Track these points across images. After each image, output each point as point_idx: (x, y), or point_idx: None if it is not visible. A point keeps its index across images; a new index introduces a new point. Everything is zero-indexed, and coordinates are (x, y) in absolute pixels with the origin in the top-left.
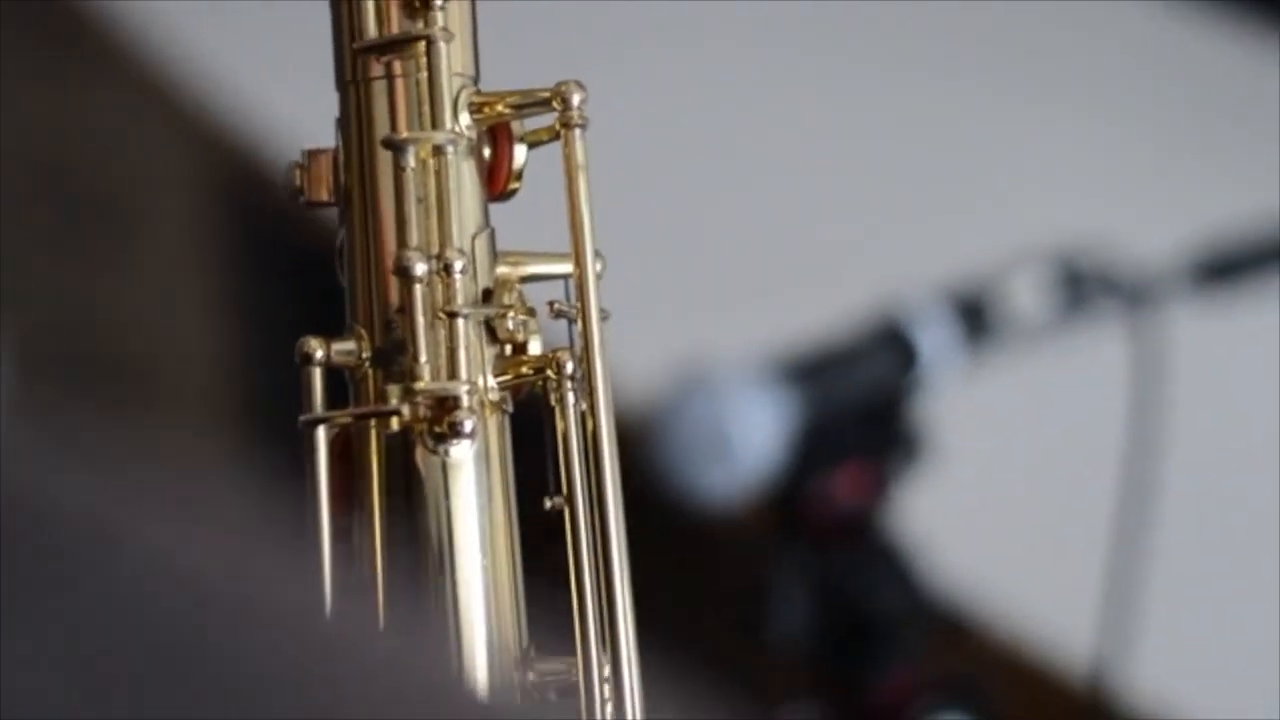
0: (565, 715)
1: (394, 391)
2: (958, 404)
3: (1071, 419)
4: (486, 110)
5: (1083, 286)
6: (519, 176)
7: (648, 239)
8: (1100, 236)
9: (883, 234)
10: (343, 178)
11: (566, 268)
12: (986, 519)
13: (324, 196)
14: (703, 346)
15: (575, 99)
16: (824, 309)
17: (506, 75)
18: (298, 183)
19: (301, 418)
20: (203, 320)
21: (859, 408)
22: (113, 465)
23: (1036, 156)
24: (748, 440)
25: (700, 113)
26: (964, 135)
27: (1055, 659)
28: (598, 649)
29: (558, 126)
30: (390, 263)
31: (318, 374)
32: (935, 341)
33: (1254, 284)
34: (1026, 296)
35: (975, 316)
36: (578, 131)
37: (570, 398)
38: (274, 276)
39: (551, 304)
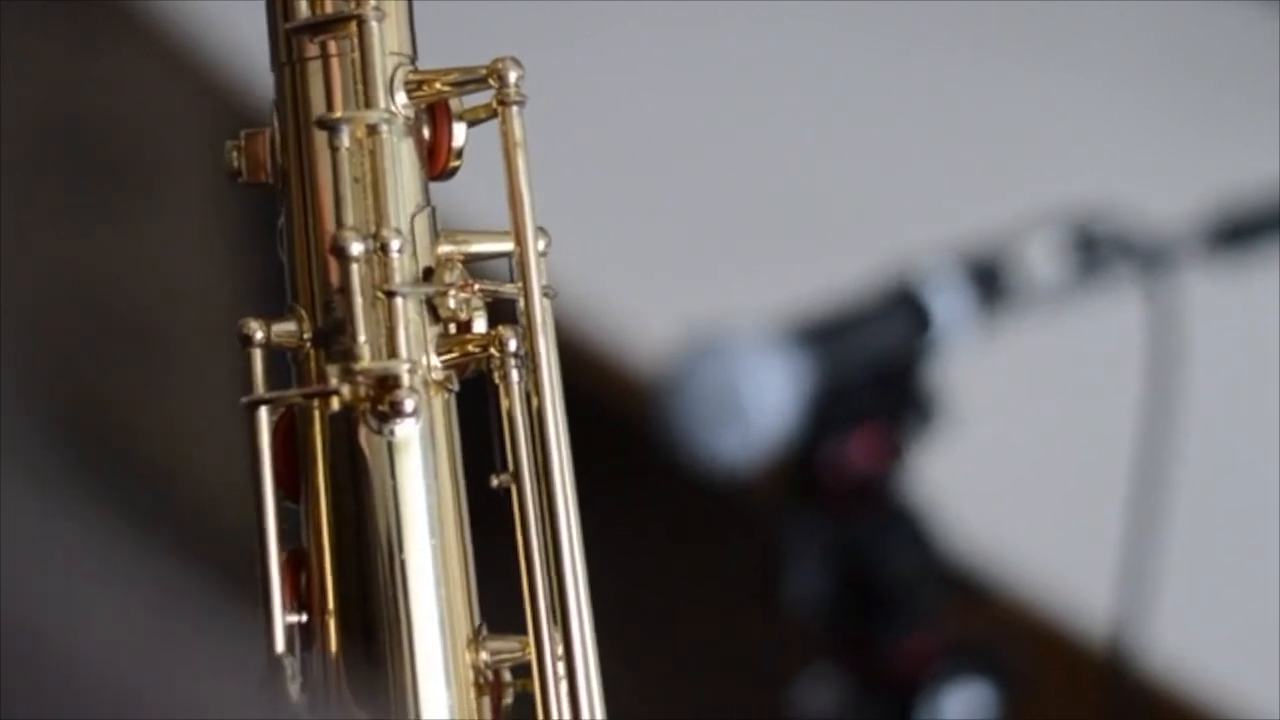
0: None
1: (335, 371)
2: (973, 368)
3: (1087, 382)
4: (424, 89)
5: (1097, 250)
6: (459, 155)
7: (660, 205)
8: (1114, 200)
9: (897, 198)
10: (279, 159)
11: (508, 245)
12: (1003, 483)
13: (261, 177)
14: (715, 311)
15: (512, 75)
16: (837, 274)
17: (486, 52)
18: (235, 164)
19: (243, 399)
20: (218, 281)
21: (873, 372)
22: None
23: (1050, 120)
24: (761, 404)
25: (716, 77)
26: (976, 99)
27: (1073, 623)
28: (549, 627)
29: (495, 104)
30: (328, 242)
31: (258, 355)
32: (950, 305)
33: (1269, 247)
34: (1041, 260)
35: (990, 280)
36: (515, 108)
37: (514, 375)
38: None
39: (478, 283)
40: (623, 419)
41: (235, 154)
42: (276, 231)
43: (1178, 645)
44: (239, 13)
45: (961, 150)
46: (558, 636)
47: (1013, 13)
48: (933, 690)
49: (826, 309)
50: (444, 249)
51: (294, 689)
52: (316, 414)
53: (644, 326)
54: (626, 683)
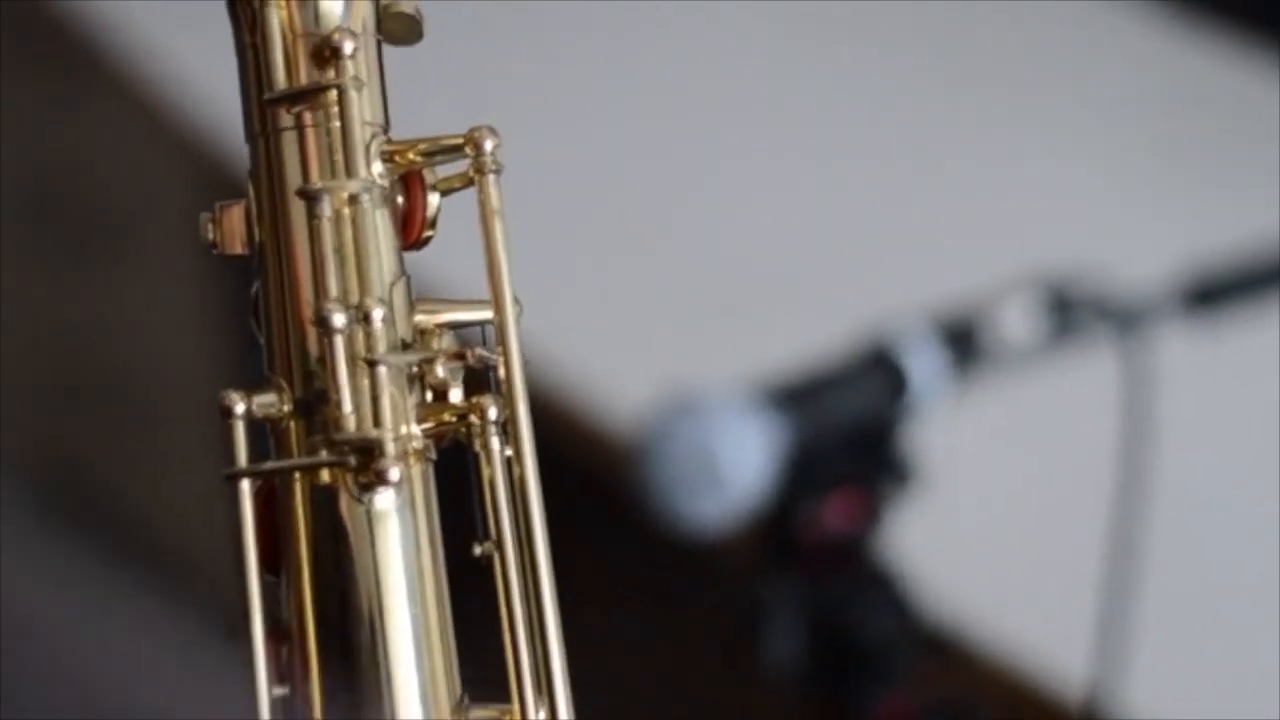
0: None
1: (318, 442)
2: (948, 429)
3: (1062, 444)
4: (398, 159)
5: (1072, 311)
6: (433, 224)
7: (630, 268)
8: (1089, 261)
9: (870, 260)
10: (255, 230)
11: (483, 314)
12: (978, 544)
13: (238, 249)
14: (690, 374)
15: (488, 145)
16: (811, 336)
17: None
18: (210, 236)
19: (225, 471)
20: (200, 338)
21: (849, 434)
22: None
23: (1023, 180)
24: (737, 465)
25: (686, 136)
26: (948, 159)
27: (1049, 683)
28: (534, 695)
29: (471, 173)
30: (308, 313)
31: (240, 427)
32: (925, 367)
33: (1244, 307)
34: (1016, 322)
35: (965, 342)
36: (491, 177)
37: (495, 443)
38: None
39: (469, 351)
40: (598, 483)
41: (210, 226)
42: (251, 301)
43: (1153, 705)
44: (225, 77)
45: (935, 214)
46: (543, 703)
47: (984, 70)
48: None
49: (802, 371)
50: (420, 318)
51: None
52: (299, 485)
53: (619, 391)
54: None
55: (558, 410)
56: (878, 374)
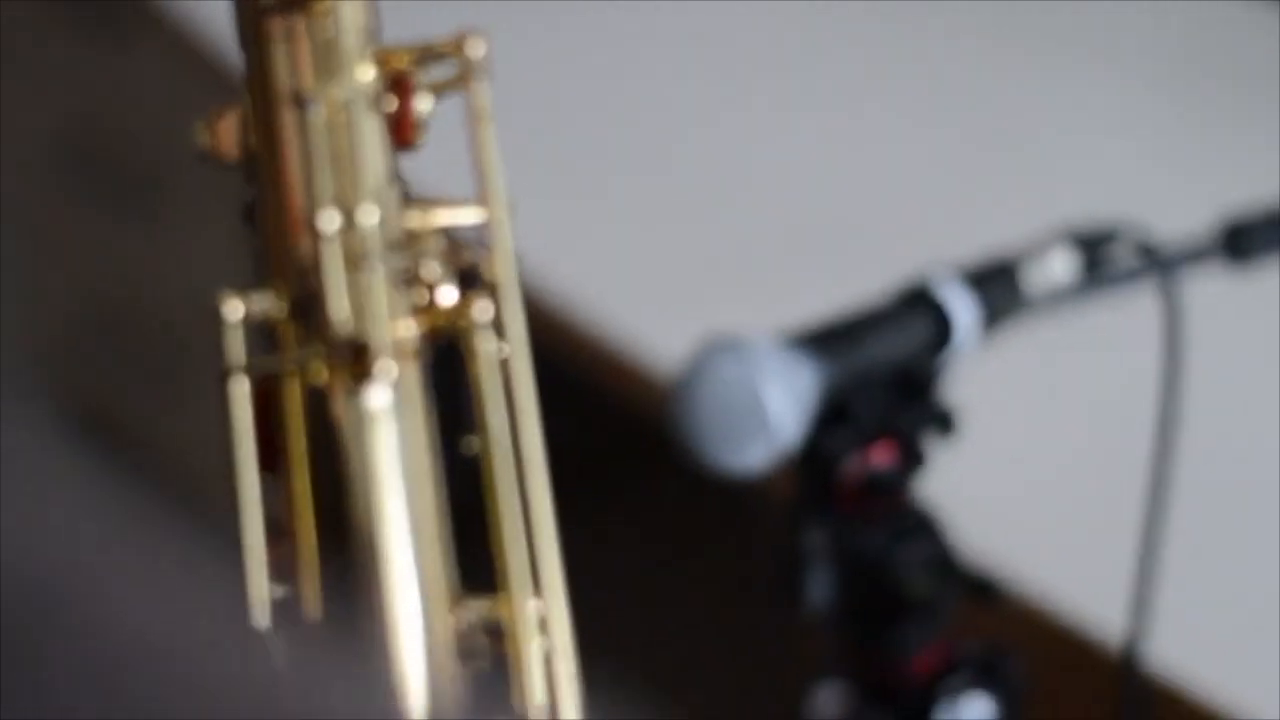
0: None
1: (313, 343)
2: (988, 372)
3: (1102, 388)
4: (389, 63)
5: (1110, 256)
6: (424, 127)
7: (678, 221)
8: (1129, 206)
9: (910, 213)
10: (249, 136)
11: (476, 216)
12: (1016, 488)
13: (232, 155)
14: (732, 323)
15: (477, 49)
16: (854, 289)
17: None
18: (205, 143)
19: (220, 370)
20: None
21: (890, 377)
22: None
23: (1063, 128)
24: (777, 408)
25: (733, 94)
26: (988, 110)
27: (1087, 627)
28: (526, 588)
29: (460, 77)
30: (300, 217)
31: (235, 329)
32: (967, 309)
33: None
34: (1054, 266)
35: (1004, 286)
36: (480, 81)
37: (485, 342)
38: None
39: (461, 250)
40: (636, 421)
41: (205, 133)
42: (245, 207)
43: (1187, 646)
44: None
45: (973, 162)
46: (532, 596)
47: (1022, 21)
48: (943, 701)
49: (843, 314)
50: (412, 220)
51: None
52: (293, 384)
53: (662, 337)
54: (633, 681)
55: (598, 348)
56: (920, 316)
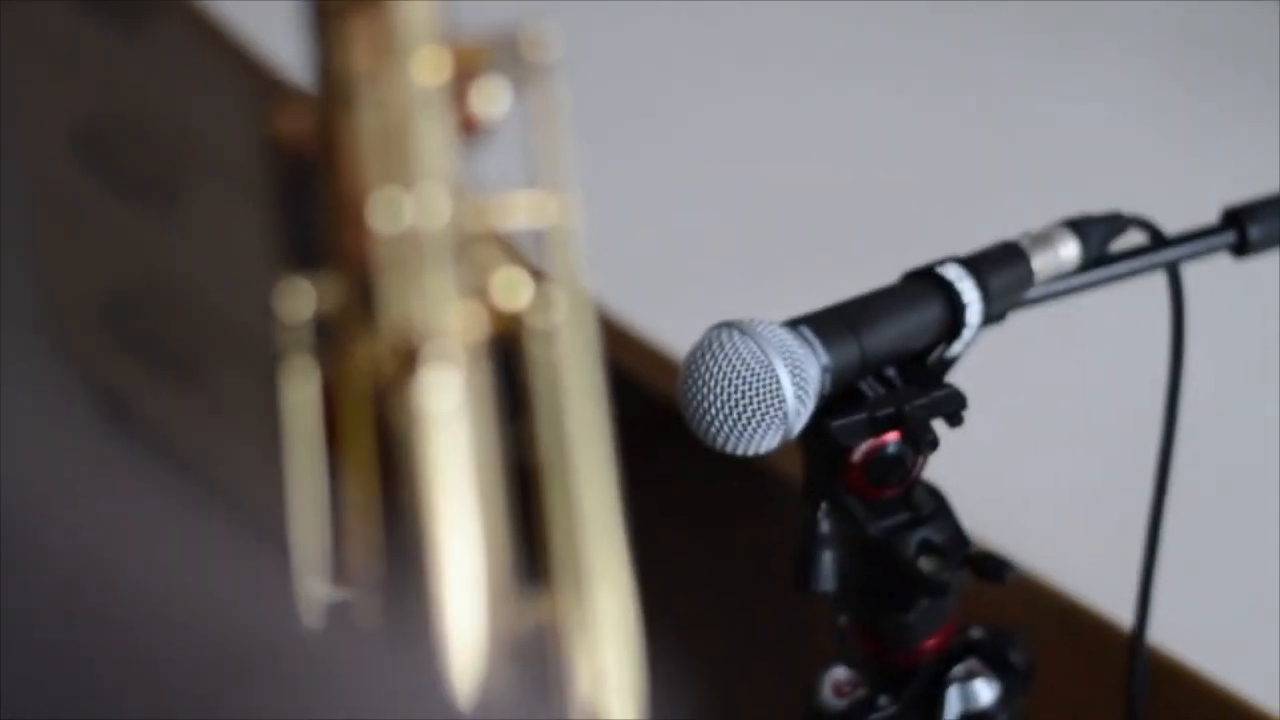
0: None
1: (369, 340)
2: (996, 353)
3: (1111, 372)
4: (457, 55)
5: (1116, 239)
6: (491, 120)
7: (695, 210)
8: (1135, 195)
9: (920, 202)
10: (314, 126)
11: (545, 214)
12: (1024, 472)
13: (296, 144)
14: (745, 308)
15: (548, 43)
16: (863, 277)
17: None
18: (270, 130)
19: (278, 369)
20: (261, 269)
21: (900, 361)
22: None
23: (1073, 117)
24: (787, 389)
25: (755, 88)
26: (998, 101)
27: (1096, 608)
28: (580, 585)
29: (529, 71)
30: (362, 211)
31: (294, 326)
32: (976, 296)
33: None
34: (1064, 254)
35: (1015, 273)
36: (549, 74)
37: (548, 343)
38: None
39: (524, 253)
40: (650, 402)
41: (270, 120)
42: (302, 199)
43: (1193, 625)
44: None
45: (982, 152)
46: (588, 594)
47: (1033, 16)
48: (952, 683)
49: (855, 299)
50: (479, 218)
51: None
52: (351, 383)
53: (679, 317)
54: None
55: (619, 327)
56: (930, 302)
